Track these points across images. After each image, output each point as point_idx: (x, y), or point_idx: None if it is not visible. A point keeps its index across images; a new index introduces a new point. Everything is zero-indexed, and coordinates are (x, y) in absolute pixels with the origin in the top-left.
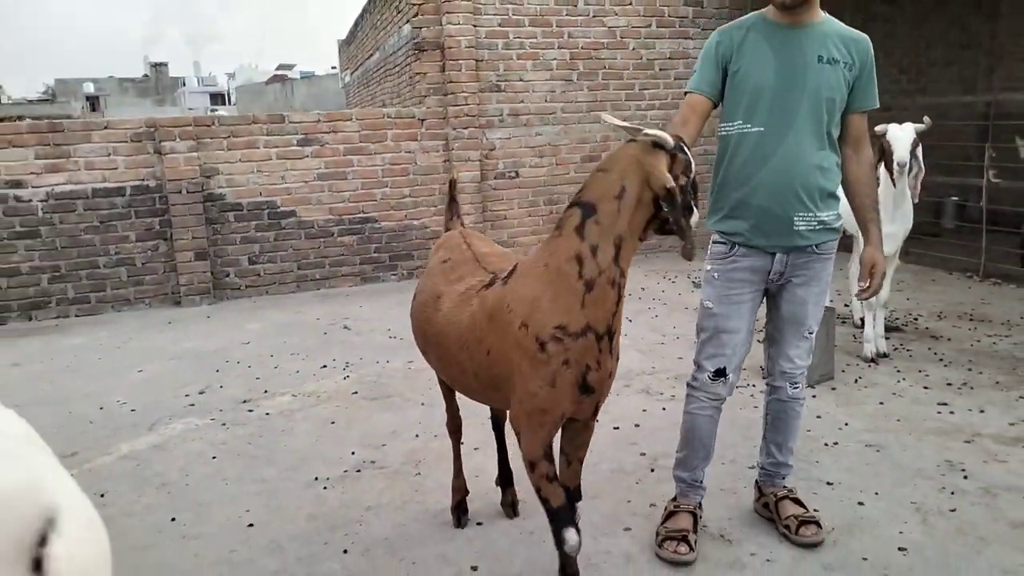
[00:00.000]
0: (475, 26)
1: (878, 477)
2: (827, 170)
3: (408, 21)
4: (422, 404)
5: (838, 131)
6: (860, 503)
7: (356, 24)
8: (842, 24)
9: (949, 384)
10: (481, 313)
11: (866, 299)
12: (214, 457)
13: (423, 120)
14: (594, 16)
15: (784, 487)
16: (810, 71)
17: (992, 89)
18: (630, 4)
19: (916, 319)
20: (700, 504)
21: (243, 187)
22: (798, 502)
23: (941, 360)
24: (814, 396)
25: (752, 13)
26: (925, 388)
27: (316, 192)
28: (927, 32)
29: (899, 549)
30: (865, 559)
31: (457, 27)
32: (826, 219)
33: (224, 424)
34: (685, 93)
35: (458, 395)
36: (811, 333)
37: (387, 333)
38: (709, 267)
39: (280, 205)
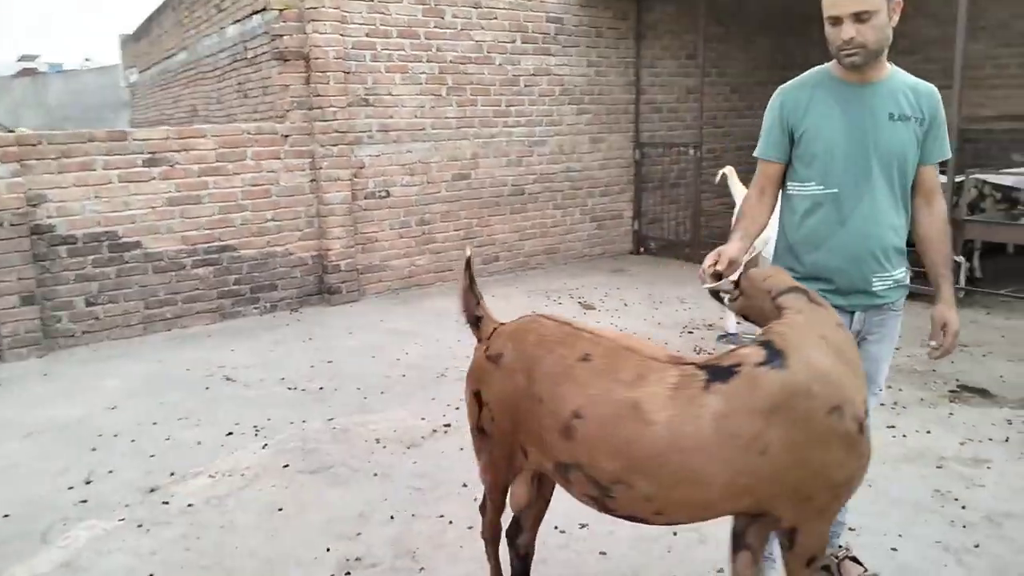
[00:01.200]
0: (342, 35)
1: (885, 516)
2: (900, 228)
3: (236, 22)
4: (375, 475)
5: (910, 187)
6: (893, 548)
7: (151, 19)
8: (907, 75)
9: (881, 404)
10: (744, 408)
11: (938, 358)
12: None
13: (287, 136)
14: (462, 29)
15: (841, 547)
16: (881, 130)
17: None
18: (495, 19)
19: None
20: None
21: (77, 216)
22: (857, 561)
23: None
24: None
25: (816, 69)
26: None
27: (165, 219)
28: (754, 53)
29: None
30: None
31: (324, 36)
32: (899, 277)
33: (141, 525)
34: (755, 157)
35: None
36: (880, 391)
37: (282, 383)
38: None
39: (122, 236)
